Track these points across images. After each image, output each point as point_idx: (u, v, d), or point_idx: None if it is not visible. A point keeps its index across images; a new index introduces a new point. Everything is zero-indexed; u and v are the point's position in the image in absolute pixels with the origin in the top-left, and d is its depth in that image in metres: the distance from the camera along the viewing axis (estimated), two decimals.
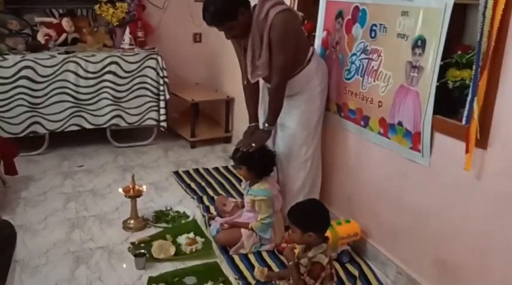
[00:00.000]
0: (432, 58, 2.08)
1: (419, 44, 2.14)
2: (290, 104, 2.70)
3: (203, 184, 3.49)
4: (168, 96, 4.15)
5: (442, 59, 2.06)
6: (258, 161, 2.66)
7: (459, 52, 2.03)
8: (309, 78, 2.64)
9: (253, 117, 2.81)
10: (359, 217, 2.70)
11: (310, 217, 2.17)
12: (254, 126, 2.77)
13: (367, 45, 2.50)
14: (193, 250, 2.63)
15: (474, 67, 1.85)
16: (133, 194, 2.84)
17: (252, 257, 2.62)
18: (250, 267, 2.53)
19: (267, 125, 2.63)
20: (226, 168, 3.76)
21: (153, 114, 4.18)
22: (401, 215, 2.41)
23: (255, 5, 2.50)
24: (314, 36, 2.95)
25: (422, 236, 2.28)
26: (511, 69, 1.76)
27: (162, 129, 4.24)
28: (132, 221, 2.87)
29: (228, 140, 4.40)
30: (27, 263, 2.50)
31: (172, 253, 2.59)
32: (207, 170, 3.76)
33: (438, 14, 2.03)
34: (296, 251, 2.24)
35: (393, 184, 2.44)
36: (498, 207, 1.87)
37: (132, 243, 2.68)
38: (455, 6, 1.98)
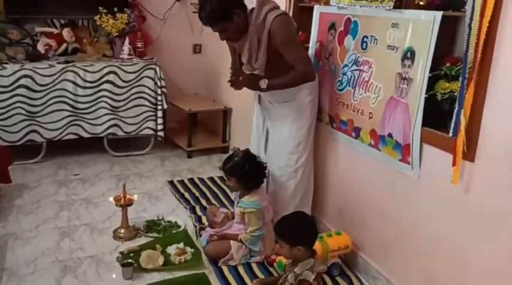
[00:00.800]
0: (421, 70, 2.07)
1: (409, 55, 2.14)
2: (280, 112, 2.71)
3: (197, 194, 3.48)
4: (165, 106, 4.16)
5: (432, 71, 2.05)
6: (247, 172, 2.65)
7: (448, 64, 2.02)
8: (300, 86, 2.63)
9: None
10: (350, 229, 2.67)
11: (298, 231, 2.14)
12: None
13: (358, 57, 2.49)
14: (182, 261, 2.61)
15: (461, 79, 1.84)
16: (124, 203, 2.83)
17: (241, 269, 2.60)
18: (239, 278, 2.51)
19: (265, 84, 2.56)
20: (221, 178, 3.75)
21: (151, 124, 4.19)
22: (391, 227, 2.38)
23: (252, 9, 2.51)
24: (308, 47, 2.95)
25: (411, 249, 2.25)
26: (498, 81, 1.74)
27: (159, 138, 4.25)
28: (122, 231, 2.86)
29: (225, 150, 4.39)
30: (15, 272, 2.49)
31: (161, 263, 2.56)
32: (201, 180, 3.75)
33: (427, 26, 2.02)
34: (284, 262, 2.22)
35: (383, 196, 2.41)
36: (485, 220, 1.84)
37: (121, 252, 2.67)
38: (446, 18, 1.98)
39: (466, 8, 1.79)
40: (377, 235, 2.49)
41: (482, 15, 1.72)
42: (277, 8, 2.52)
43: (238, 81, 2.69)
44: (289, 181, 2.76)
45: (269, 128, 2.83)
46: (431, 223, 2.11)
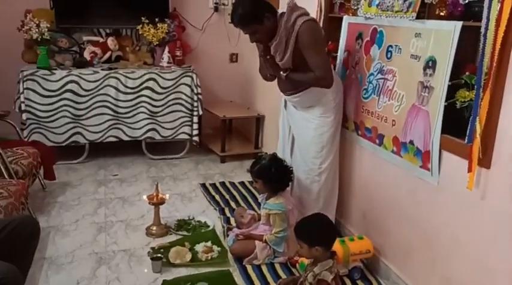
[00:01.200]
0: (442, 79, 2.12)
1: (430, 64, 2.19)
2: (305, 117, 2.81)
3: (227, 196, 3.61)
4: (201, 112, 4.34)
5: (452, 80, 2.10)
6: (274, 175, 2.75)
7: (467, 73, 2.06)
8: (324, 92, 2.71)
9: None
10: (373, 234, 2.72)
11: (316, 231, 2.23)
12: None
13: (383, 66, 2.56)
14: (209, 258, 2.73)
15: (476, 87, 1.88)
16: (157, 202, 2.99)
17: (264, 268, 2.69)
18: (262, 277, 2.61)
19: (284, 74, 2.69)
20: (251, 183, 3.85)
21: (187, 129, 4.37)
22: (412, 233, 2.42)
23: (283, 13, 2.61)
24: (336, 56, 3.04)
25: (432, 255, 2.28)
26: None
27: (194, 143, 4.42)
28: (154, 228, 3.01)
29: (257, 156, 4.49)
30: (54, 261, 2.68)
31: (188, 259, 2.70)
32: (232, 184, 3.88)
33: (447, 36, 2.08)
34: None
35: (405, 202, 2.46)
36: (501, 226, 1.87)
37: (152, 248, 2.82)
38: (467, 28, 2.02)
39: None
40: (398, 241, 2.53)
41: (497, 25, 1.77)
42: (307, 14, 2.61)
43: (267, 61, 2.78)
44: (313, 184, 2.84)
45: (294, 133, 2.92)
46: (450, 229, 2.14)
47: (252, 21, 2.56)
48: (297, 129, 2.87)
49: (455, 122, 2.13)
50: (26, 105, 3.94)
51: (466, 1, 1.99)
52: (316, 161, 2.81)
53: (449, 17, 2.11)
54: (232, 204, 3.48)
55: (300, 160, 2.85)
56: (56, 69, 4.05)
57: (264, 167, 2.77)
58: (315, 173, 2.83)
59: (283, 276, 2.62)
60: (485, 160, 1.89)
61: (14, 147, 3.28)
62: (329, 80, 2.65)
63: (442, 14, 2.13)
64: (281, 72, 2.68)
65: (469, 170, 1.93)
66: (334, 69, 3.07)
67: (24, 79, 3.92)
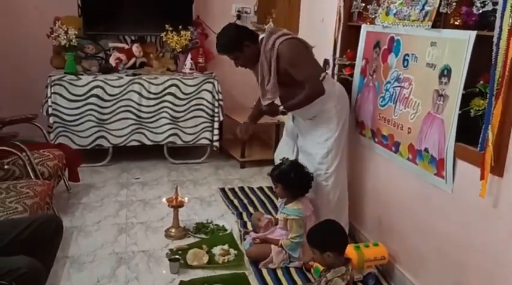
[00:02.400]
0: (456, 87, 2.14)
1: (445, 73, 2.22)
2: (309, 126, 2.95)
3: (245, 201, 3.67)
4: (221, 118, 4.42)
5: (467, 88, 2.12)
6: (294, 181, 2.80)
7: (481, 82, 2.08)
8: (324, 101, 2.81)
9: (252, 117, 3.23)
10: (389, 241, 2.74)
11: (326, 237, 2.27)
12: (247, 123, 3.21)
13: (400, 74, 2.59)
14: (226, 261, 2.79)
15: (488, 95, 1.90)
16: (176, 205, 3.06)
17: (279, 272, 2.73)
18: (277, 281, 2.65)
19: (283, 109, 2.85)
20: (270, 188, 3.91)
21: (207, 134, 4.45)
22: (426, 241, 2.43)
23: (262, 38, 2.79)
24: (354, 64, 3.08)
25: (446, 262, 2.29)
26: None
27: (214, 148, 4.50)
28: (173, 230, 3.09)
29: None
30: (76, 259, 2.78)
31: (205, 261, 2.76)
32: (251, 189, 3.94)
33: (462, 45, 2.10)
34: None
35: (419, 209, 2.47)
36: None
37: (171, 249, 2.89)
38: (482, 38, 2.04)
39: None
40: (413, 248, 2.55)
41: (510, 34, 1.79)
42: (286, 34, 2.76)
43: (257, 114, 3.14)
44: (322, 188, 2.90)
45: (299, 141, 3.07)
46: (464, 237, 2.15)
47: (233, 49, 2.80)
48: (303, 137, 3.01)
49: (470, 130, 2.14)
50: (53, 109, 4.08)
51: (480, 11, 2.01)
52: (322, 167, 2.87)
53: (464, 26, 2.13)
54: (250, 209, 3.53)
55: (308, 166, 2.89)
56: (82, 75, 4.19)
57: (284, 172, 2.81)
58: (322, 178, 2.88)
59: (298, 281, 2.66)
60: (497, 168, 1.90)
61: (41, 149, 3.41)
62: (319, 87, 2.74)
63: (456, 23, 2.15)
64: (280, 109, 2.85)
65: (482, 178, 1.94)
66: (352, 76, 3.12)
67: (52, 84, 4.07)
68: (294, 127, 3.13)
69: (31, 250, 1.83)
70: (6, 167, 3.03)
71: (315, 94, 2.74)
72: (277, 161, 3.08)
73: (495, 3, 1.96)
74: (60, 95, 4.09)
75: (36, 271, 1.73)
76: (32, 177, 2.97)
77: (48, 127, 4.07)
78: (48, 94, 4.07)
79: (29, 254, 1.79)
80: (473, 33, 2.05)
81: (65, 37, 4.14)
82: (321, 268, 2.44)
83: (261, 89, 2.88)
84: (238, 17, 4.95)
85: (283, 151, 3.20)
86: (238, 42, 2.77)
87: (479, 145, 1.96)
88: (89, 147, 4.24)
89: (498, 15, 1.84)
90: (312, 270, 2.73)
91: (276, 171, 2.87)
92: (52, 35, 4.20)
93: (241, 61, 2.86)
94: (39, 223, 1.99)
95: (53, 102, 4.08)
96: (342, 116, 2.89)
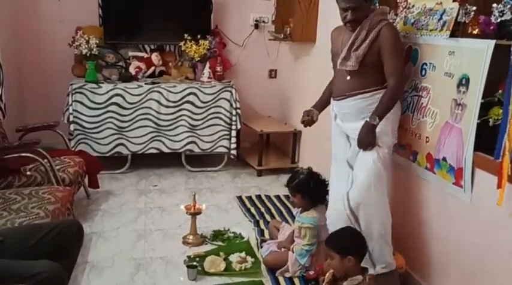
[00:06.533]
0: (475, 96, 2.14)
1: (464, 82, 2.22)
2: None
3: (262, 209, 3.68)
4: (239, 126, 4.45)
5: (486, 97, 2.11)
6: (312, 189, 2.80)
7: (500, 91, 2.07)
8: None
9: (319, 104, 2.94)
10: (407, 249, 2.72)
11: (348, 241, 2.28)
12: (313, 110, 2.90)
13: (417, 83, 2.59)
14: (243, 268, 2.80)
15: (504, 104, 1.90)
16: (194, 212, 3.09)
17: (296, 281, 2.73)
18: None
19: (376, 119, 2.50)
20: (286, 196, 3.91)
21: (225, 142, 4.49)
22: (443, 250, 2.42)
23: (375, 7, 2.67)
24: None
25: (463, 271, 2.28)
26: None
27: (232, 156, 4.52)
28: (191, 237, 3.12)
29: (293, 171, 4.55)
30: (96, 265, 2.82)
31: (223, 269, 2.77)
32: (268, 197, 3.96)
33: (480, 54, 2.10)
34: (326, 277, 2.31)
35: (437, 219, 2.47)
36: None
37: (188, 256, 2.92)
38: (501, 47, 2.04)
39: None
40: (431, 257, 2.53)
41: None
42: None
43: (310, 120, 2.88)
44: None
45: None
46: (481, 246, 2.14)
47: None
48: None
49: (488, 139, 2.13)
50: (74, 117, 4.16)
51: (499, 20, 2.01)
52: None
53: (482, 35, 2.13)
54: (267, 217, 3.54)
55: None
56: (102, 83, 4.26)
57: (302, 181, 2.80)
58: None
59: None
60: None
61: (62, 156, 3.48)
62: (404, 84, 2.61)
63: (475, 32, 2.15)
64: (372, 122, 2.51)
65: (499, 186, 1.93)
66: None
67: (73, 92, 4.15)
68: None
69: (53, 254, 1.88)
70: (28, 173, 3.10)
71: (400, 90, 2.57)
72: (332, 195, 2.81)
73: None
74: (81, 103, 4.17)
75: (59, 275, 1.78)
76: (54, 183, 3.04)
77: (69, 135, 4.14)
78: (70, 102, 4.15)
79: (51, 258, 1.84)
80: (491, 43, 2.05)
81: (86, 46, 4.23)
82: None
83: (345, 52, 2.58)
84: (256, 26, 5.00)
85: (338, 181, 2.80)
86: None
87: (495, 153, 1.95)
88: (108, 154, 4.30)
89: None
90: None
91: (295, 181, 2.83)
92: (74, 44, 4.29)
93: (359, 13, 2.51)
94: (61, 228, 2.04)
95: (74, 110, 4.15)
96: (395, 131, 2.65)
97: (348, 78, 2.64)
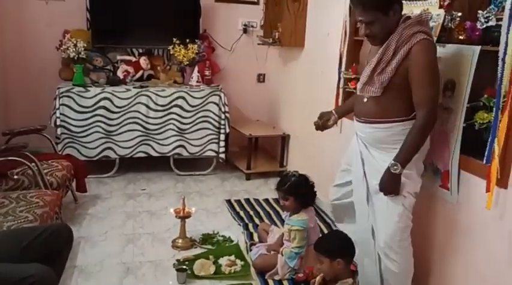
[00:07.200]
0: (460, 101, 2.18)
1: (449, 86, 2.26)
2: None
3: (251, 212, 3.69)
4: (228, 130, 4.46)
5: (471, 102, 2.16)
6: (305, 191, 2.82)
7: (486, 95, 2.11)
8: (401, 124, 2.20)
9: (341, 109, 2.77)
10: None
11: (337, 244, 2.30)
12: (330, 112, 2.69)
13: None
14: (232, 271, 2.81)
15: (494, 109, 1.94)
16: (183, 215, 3.09)
17: (286, 284, 2.75)
18: None
19: (398, 167, 2.10)
20: (276, 200, 3.93)
21: (213, 146, 4.49)
22: (428, 251, 2.46)
23: (408, 17, 2.16)
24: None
25: (448, 273, 2.31)
26: None
27: (220, 160, 4.53)
28: (180, 241, 3.11)
29: (282, 174, 4.58)
30: (84, 269, 2.80)
31: (212, 272, 2.78)
32: (257, 200, 3.97)
33: (467, 60, 2.14)
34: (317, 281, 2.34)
35: (423, 221, 2.49)
36: None
37: (178, 260, 2.91)
38: (486, 53, 2.08)
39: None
40: (416, 258, 2.56)
41: None
42: (431, 35, 2.14)
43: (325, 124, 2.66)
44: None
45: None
46: (468, 249, 2.18)
47: (376, 6, 2.10)
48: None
49: (474, 143, 2.18)
50: (61, 120, 4.13)
51: (484, 26, 2.05)
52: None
53: (468, 41, 2.18)
54: (256, 220, 3.55)
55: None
56: (90, 87, 4.24)
57: (295, 184, 2.81)
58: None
59: None
60: (503, 181, 1.94)
61: (49, 160, 3.45)
62: (435, 116, 2.11)
63: (461, 37, 2.19)
64: (394, 170, 2.12)
65: (487, 190, 1.97)
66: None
67: (60, 95, 4.12)
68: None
69: (43, 258, 1.86)
70: (16, 177, 3.08)
71: (430, 125, 2.11)
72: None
73: (499, 19, 2.01)
74: (68, 107, 4.14)
75: (48, 278, 1.77)
76: (42, 187, 3.01)
77: (56, 138, 4.11)
78: (57, 106, 4.12)
79: (40, 261, 1.82)
80: (477, 48, 2.10)
81: (74, 49, 4.21)
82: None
83: (368, 74, 2.19)
84: (245, 30, 5.03)
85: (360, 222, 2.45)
86: (388, 1, 2.11)
87: (485, 158, 1.99)
88: (95, 158, 4.27)
89: (503, 30, 1.88)
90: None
91: (287, 184, 2.82)
92: (61, 48, 4.27)
93: (376, 28, 2.12)
94: (50, 232, 2.03)
95: (61, 114, 4.12)
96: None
97: (365, 100, 2.27)
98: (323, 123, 2.69)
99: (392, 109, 2.18)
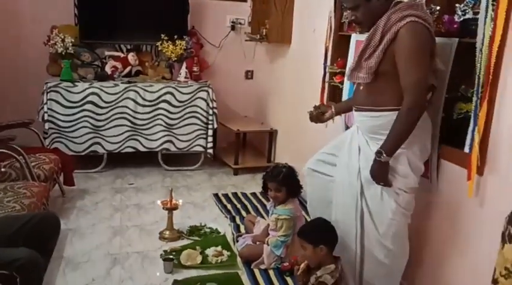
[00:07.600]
0: (440, 91, 2.24)
1: None
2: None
3: (238, 206, 3.74)
4: (216, 125, 4.50)
5: (451, 92, 2.22)
6: (296, 181, 2.88)
7: (463, 86, 2.18)
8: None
9: (340, 104, 2.70)
10: None
11: (320, 231, 2.36)
12: (328, 106, 2.66)
13: None
14: (219, 261, 2.85)
15: (474, 99, 2.00)
16: (170, 207, 3.13)
17: (271, 273, 2.79)
18: (268, 281, 2.71)
19: (384, 155, 2.06)
20: (262, 193, 3.97)
21: (201, 141, 4.53)
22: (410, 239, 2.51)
23: (398, 2, 2.09)
24: (344, 72, 3.18)
25: (428, 261, 2.37)
26: (506, 99, 1.90)
27: (208, 155, 4.57)
28: (167, 232, 3.15)
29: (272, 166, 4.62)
30: (72, 260, 2.82)
31: (199, 262, 2.82)
32: (244, 194, 4.01)
33: (446, 52, 2.21)
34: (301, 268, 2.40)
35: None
36: (499, 233, 1.95)
37: (165, 250, 2.95)
38: (465, 45, 2.15)
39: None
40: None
41: (492, 41, 1.89)
42: (423, 18, 2.02)
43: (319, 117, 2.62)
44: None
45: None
46: (449, 236, 2.24)
47: None
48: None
49: (453, 132, 2.25)
50: (49, 115, 4.14)
51: (461, 19, 2.12)
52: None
53: (447, 33, 2.24)
54: (243, 213, 3.59)
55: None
56: (78, 82, 4.25)
57: (288, 174, 2.86)
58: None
59: (290, 281, 2.72)
60: (482, 168, 1.99)
61: (37, 153, 3.47)
62: (422, 101, 2.05)
63: (442, 30, 2.26)
64: (379, 158, 2.08)
65: (468, 178, 2.03)
66: (342, 84, 3.20)
67: (48, 90, 4.13)
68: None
69: (31, 243, 1.89)
70: (3, 169, 3.09)
71: (415, 110, 2.02)
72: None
73: (476, 13, 2.08)
74: (56, 101, 4.15)
75: (36, 262, 1.80)
76: (29, 179, 3.03)
77: (43, 133, 4.12)
78: (44, 101, 4.13)
79: (29, 246, 1.85)
80: (455, 40, 2.16)
81: (62, 45, 4.22)
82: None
83: (356, 59, 2.19)
84: (233, 27, 5.07)
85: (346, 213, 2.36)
86: None
87: (467, 147, 2.05)
88: (83, 153, 4.29)
89: (480, 23, 1.95)
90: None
91: (281, 175, 2.83)
92: (49, 43, 4.28)
93: (361, 13, 2.12)
94: (39, 218, 2.06)
95: (48, 108, 4.13)
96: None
97: (361, 87, 2.26)
98: (317, 114, 2.62)
99: (384, 97, 2.13)
